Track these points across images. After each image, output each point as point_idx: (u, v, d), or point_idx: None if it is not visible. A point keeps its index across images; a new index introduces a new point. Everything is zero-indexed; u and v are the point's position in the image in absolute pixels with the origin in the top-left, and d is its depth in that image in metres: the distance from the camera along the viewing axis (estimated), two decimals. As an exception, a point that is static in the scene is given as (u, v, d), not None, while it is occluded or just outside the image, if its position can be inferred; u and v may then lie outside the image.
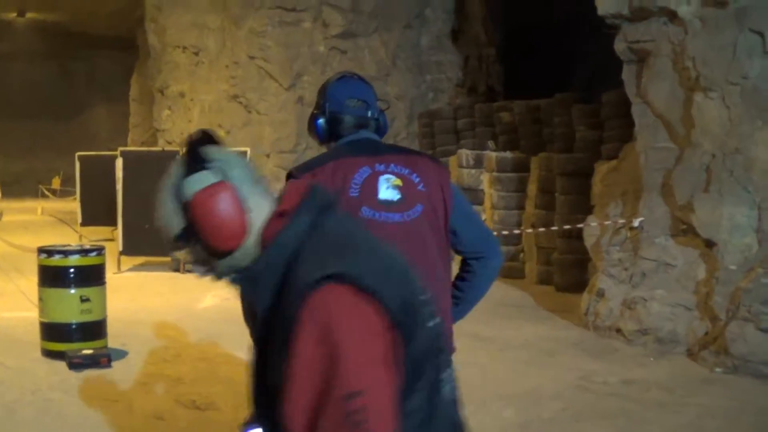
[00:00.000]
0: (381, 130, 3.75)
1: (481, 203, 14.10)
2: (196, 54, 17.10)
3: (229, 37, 16.63)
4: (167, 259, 14.49)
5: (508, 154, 14.26)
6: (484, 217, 13.67)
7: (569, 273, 12.25)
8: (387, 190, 3.48)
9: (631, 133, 11.37)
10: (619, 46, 10.01)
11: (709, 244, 9.11)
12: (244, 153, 14.63)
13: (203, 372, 8.12)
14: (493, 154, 14.11)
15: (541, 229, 12.42)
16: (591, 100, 13.38)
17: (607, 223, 10.60)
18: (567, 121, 13.45)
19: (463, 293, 3.80)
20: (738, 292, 8.57)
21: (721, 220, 8.91)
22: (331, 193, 2.27)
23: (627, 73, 10.20)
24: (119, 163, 14.50)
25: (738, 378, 8.03)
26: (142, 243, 14.13)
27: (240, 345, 8.33)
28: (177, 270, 14.41)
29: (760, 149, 8.56)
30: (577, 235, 11.65)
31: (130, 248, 14.63)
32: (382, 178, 3.49)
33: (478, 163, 14.29)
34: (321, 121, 3.65)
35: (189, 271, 14.94)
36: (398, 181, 3.51)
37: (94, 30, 21.35)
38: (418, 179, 3.55)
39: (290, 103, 16.63)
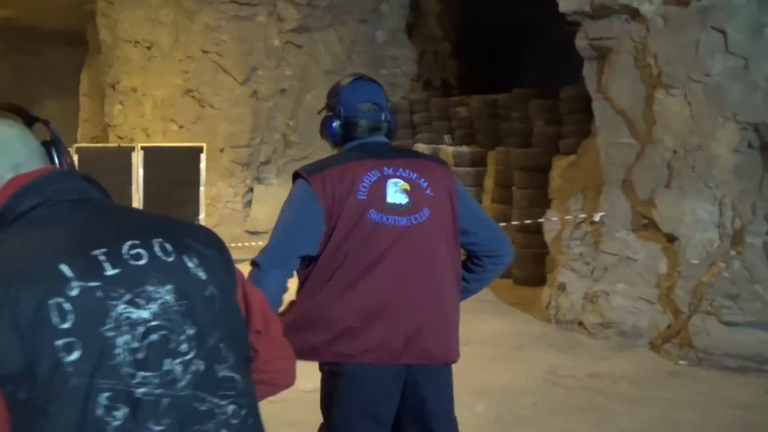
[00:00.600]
0: (391, 132, 3.80)
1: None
2: (149, 48, 16.95)
3: (183, 31, 16.52)
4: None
5: (465, 149, 14.33)
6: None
7: (527, 267, 12.36)
8: (395, 194, 3.54)
9: (590, 128, 11.51)
10: (581, 42, 10.09)
11: (671, 238, 9.24)
12: (200, 148, 14.59)
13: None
14: (450, 149, 14.16)
15: (501, 224, 12.51)
16: (549, 95, 13.47)
17: (568, 217, 10.72)
18: (525, 116, 13.54)
19: (468, 284, 3.86)
20: (700, 286, 8.72)
21: (683, 216, 9.04)
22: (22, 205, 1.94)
23: (588, 70, 10.29)
24: (74, 159, 14.32)
25: (702, 370, 8.17)
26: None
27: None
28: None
29: (722, 146, 8.70)
30: (536, 229, 11.77)
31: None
32: (390, 182, 3.55)
33: (435, 158, 14.33)
34: (336, 124, 3.70)
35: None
36: (406, 186, 3.57)
37: (45, 25, 21.07)
38: (425, 184, 3.61)
39: (245, 97, 16.57)
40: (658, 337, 8.91)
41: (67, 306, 1.72)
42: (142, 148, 14.48)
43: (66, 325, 1.70)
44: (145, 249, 1.89)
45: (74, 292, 1.74)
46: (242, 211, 16.87)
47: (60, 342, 1.69)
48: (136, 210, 2.34)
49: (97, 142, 18.48)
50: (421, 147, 14.35)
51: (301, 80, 16.50)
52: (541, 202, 12.07)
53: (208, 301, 1.94)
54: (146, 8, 16.73)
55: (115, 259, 1.84)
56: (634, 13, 9.28)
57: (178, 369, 1.83)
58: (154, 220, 2.08)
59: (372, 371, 3.50)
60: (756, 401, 7.23)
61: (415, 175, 3.63)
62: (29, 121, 2.16)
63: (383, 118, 3.77)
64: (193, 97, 16.62)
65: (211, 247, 2.05)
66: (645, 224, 9.65)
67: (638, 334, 9.12)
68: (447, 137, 14.97)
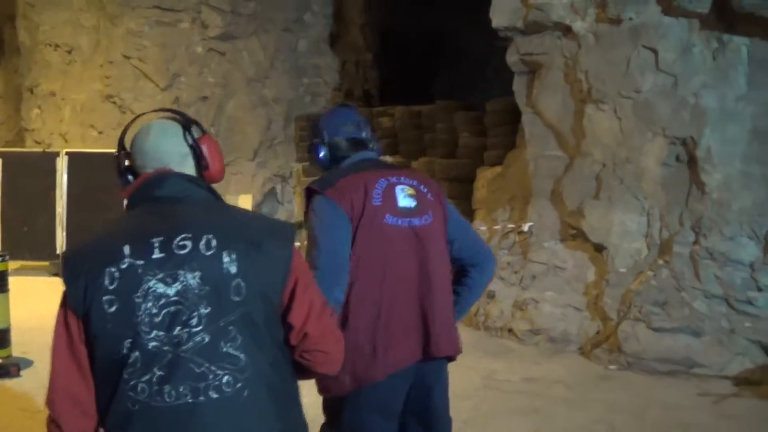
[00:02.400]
0: (377, 152, 4.03)
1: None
2: (69, 53, 16.72)
3: (105, 36, 16.35)
4: (45, 263, 14.20)
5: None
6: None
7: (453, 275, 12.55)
8: (404, 198, 3.79)
9: (515, 140, 11.83)
10: (511, 57, 10.37)
11: (599, 248, 9.57)
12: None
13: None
14: (374, 158, 14.31)
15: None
16: (475, 107, 13.76)
17: (496, 227, 10.99)
18: (450, 128, 13.78)
19: (460, 297, 4.06)
20: (629, 293, 9.06)
21: (612, 226, 9.38)
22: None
23: (518, 84, 10.57)
24: None
25: (633, 374, 8.49)
26: (22, 247, 13.78)
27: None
28: (57, 274, 14.12)
29: (650, 159, 9.05)
30: (462, 239, 11.98)
31: (8, 253, 14.26)
32: (399, 188, 3.80)
33: (356, 167, 14.44)
34: (322, 148, 3.91)
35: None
36: (412, 191, 3.82)
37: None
38: (425, 189, 3.87)
39: (166, 104, 16.39)
40: (587, 343, 9.20)
41: (117, 275, 2.47)
42: (67, 153, 14.34)
43: (111, 287, 2.46)
44: (192, 242, 2.53)
45: (124, 266, 2.48)
46: (167, 219, 16.75)
47: (105, 298, 2.46)
48: (222, 207, 2.79)
49: (11, 147, 18.15)
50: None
51: (224, 87, 16.48)
52: (466, 213, 12.32)
53: (232, 291, 2.52)
54: (68, 12, 16.51)
55: (165, 246, 2.51)
56: (566, 30, 9.60)
57: (185, 336, 2.47)
58: (223, 219, 2.67)
59: (390, 379, 3.70)
60: (688, 403, 7.56)
61: (415, 182, 3.88)
62: (187, 120, 2.85)
63: (364, 135, 3.99)
64: (114, 102, 16.46)
65: (261, 249, 2.59)
66: (573, 234, 9.97)
67: (568, 340, 9.40)
68: (370, 147, 15.11)
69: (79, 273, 2.50)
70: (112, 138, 16.06)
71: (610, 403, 7.57)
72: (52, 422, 2.61)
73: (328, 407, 3.83)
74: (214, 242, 2.53)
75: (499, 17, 10.14)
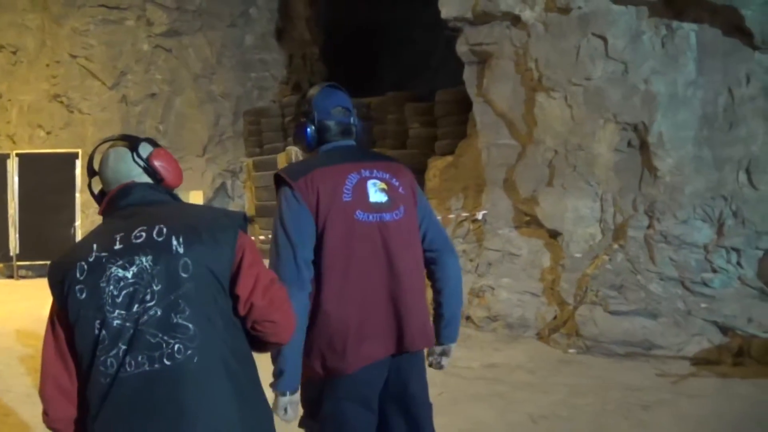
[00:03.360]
0: (359, 136, 4.03)
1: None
2: (14, 53, 16.54)
3: (50, 36, 16.19)
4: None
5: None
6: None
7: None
8: (376, 193, 3.77)
9: (465, 130, 11.92)
10: (461, 48, 10.44)
11: (553, 234, 9.69)
12: (75, 154, 14.44)
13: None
14: (323, 151, 14.32)
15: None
16: (424, 98, 13.84)
17: (450, 216, 11.07)
18: (400, 119, 13.86)
19: (442, 308, 4.11)
20: (585, 278, 9.19)
21: (566, 212, 9.51)
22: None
23: (468, 74, 10.64)
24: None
25: (592, 357, 8.63)
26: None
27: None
28: (11, 276, 13.99)
29: (602, 146, 9.19)
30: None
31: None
32: (370, 183, 3.78)
33: (307, 160, 14.45)
34: (310, 129, 3.88)
35: (24, 277, 14.59)
36: (384, 185, 3.81)
37: None
38: (397, 183, 3.87)
39: (114, 102, 16.39)
40: (545, 328, 9.32)
41: (85, 266, 2.83)
42: (17, 155, 14.21)
43: (81, 277, 2.82)
44: (146, 232, 2.87)
45: (91, 259, 2.84)
46: (115, 217, 16.65)
47: (77, 287, 2.81)
48: (178, 205, 3.16)
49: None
50: (293, 150, 14.43)
51: (171, 84, 16.42)
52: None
53: (180, 268, 2.82)
54: (12, 13, 16.31)
55: (124, 239, 2.86)
56: (516, 20, 9.69)
57: (141, 311, 2.77)
58: (176, 213, 3.01)
59: (364, 371, 3.74)
60: (648, 384, 7.70)
61: (388, 175, 3.87)
62: (134, 143, 3.16)
63: (352, 121, 3.99)
64: (61, 102, 16.33)
65: (207, 233, 2.90)
66: (527, 221, 10.08)
67: (525, 326, 9.52)
68: (318, 140, 15.12)
69: (59, 270, 2.90)
70: (61, 138, 15.99)
71: (571, 386, 7.68)
72: (44, 411, 2.94)
73: (307, 399, 3.84)
74: (165, 230, 2.88)
75: (449, 8, 10.21)
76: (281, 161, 14.56)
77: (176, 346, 2.76)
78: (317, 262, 3.69)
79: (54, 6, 15.97)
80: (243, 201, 16.75)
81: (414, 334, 3.82)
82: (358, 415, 3.76)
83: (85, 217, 15.44)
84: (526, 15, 9.57)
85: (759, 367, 7.98)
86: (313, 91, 4.05)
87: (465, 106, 11.91)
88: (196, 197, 16.35)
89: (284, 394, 3.63)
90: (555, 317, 9.39)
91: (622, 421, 6.78)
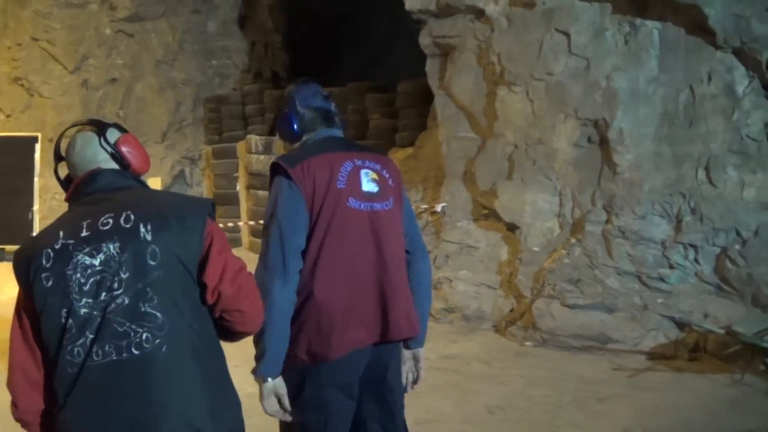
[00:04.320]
0: (342, 125, 4.06)
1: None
2: (-24, 36, 16.43)
3: (12, 18, 16.02)
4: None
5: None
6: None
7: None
8: (368, 182, 3.80)
9: (426, 122, 11.95)
10: (424, 40, 10.46)
11: (512, 227, 9.75)
12: (35, 138, 14.31)
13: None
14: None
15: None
16: (385, 89, 13.86)
17: (410, 207, 11.07)
18: (361, 109, 13.86)
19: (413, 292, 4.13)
20: (542, 271, 9.26)
21: (524, 206, 9.57)
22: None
23: (430, 66, 10.66)
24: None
25: (548, 350, 8.70)
26: None
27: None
28: (-27, 260, 13.82)
29: (563, 140, 9.26)
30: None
31: None
32: (363, 172, 3.81)
33: (268, 149, 14.40)
34: (295, 117, 3.89)
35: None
36: (375, 176, 3.84)
37: None
38: (387, 175, 3.90)
39: (75, 86, 16.27)
40: (501, 321, 9.38)
41: (52, 254, 2.79)
42: (-24, 138, 14.10)
43: (47, 265, 2.77)
44: (113, 219, 2.83)
45: (57, 246, 2.80)
46: (71, 203, 16.55)
47: (43, 275, 2.77)
48: (145, 191, 3.13)
49: None
50: (253, 139, 14.43)
51: (132, 69, 16.31)
52: (377, 193, 12.41)
53: (148, 256, 2.79)
54: (-26, -5, 16.18)
55: (91, 226, 2.82)
56: (479, 14, 9.73)
57: (109, 299, 2.74)
58: (143, 200, 2.97)
59: (347, 357, 3.75)
60: (604, 377, 7.79)
61: (379, 166, 3.91)
62: (102, 128, 3.12)
63: (333, 108, 4.01)
64: (22, 85, 16.20)
65: (175, 219, 2.87)
66: (486, 214, 10.12)
67: (482, 318, 9.56)
68: (278, 129, 15.09)
69: (24, 257, 2.85)
70: (21, 121, 15.85)
71: (528, 378, 7.76)
72: (12, 402, 2.90)
73: (288, 384, 3.85)
74: (132, 217, 2.83)
75: (413, 0, 10.22)
76: (241, 150, 14.53)
77: (144, 335, 2.73)
78: (309, 248, 3.70)
79: (18, -12, 15.84)
80: (201, 189, 16.66)
81: (399, 322, 3.85)
82: (339, 402, 3.78)
83: (43, 202, 15.29)
84: (491, 9, 9.61)
85: (714, 363, 8.08)
86: (290, 86, 4.10)
87: (426, 97, 11.93)
88: (154, 184, 16.19)
89: (266, 380, 3.63)
90: (512, 310, 9.45)
91: (577, 412, 6.87)
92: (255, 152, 14.34)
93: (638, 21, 8.75)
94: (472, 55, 9.97)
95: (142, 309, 2.74)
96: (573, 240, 9.19)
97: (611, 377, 7.80)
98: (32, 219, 14.43)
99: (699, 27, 8.44)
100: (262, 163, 14.28)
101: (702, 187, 8.58)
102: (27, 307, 2.83)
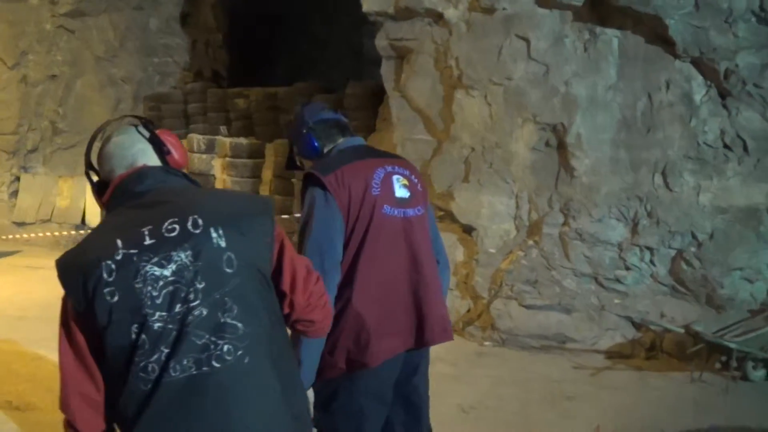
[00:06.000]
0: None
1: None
2: None
3: (-51, 12, 15.79)
4: None
5: (242, 140, 14.49)
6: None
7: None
8: (400, 189, 3.91)
9: (375, 123, 12.03)
10: (380, 42, 10.50)
11: (468, 229, 9.88)
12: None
13: (2, 372, 7.96)
14: (227, 140, 14.25)
15: (284, 216, 12.80)
16: (333, 90, 13.93)
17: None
18: (308, 110, 13.90)
19: None
20: (499, 273, 9.44)
21: (481, 208, 9.70)
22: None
23: (386, 69, 10.70)
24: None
25: (508, 350, 8.91)
26: None
27: (34, 341, 8.26)
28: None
29: (520, 144, 9.41)
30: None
31: None
32: (395, 178, 3.93)
33: (210, 149, 14.36)
34: (312, 134, 3.98)
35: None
36: (405, 181, 3.95)
37: None
38: (416, 180, 4.02)
39: (14, 82, 16.05)
40: (459, 321, 9.52)
41: (113, 266, 2.58)
42: None
43: (110, 279, 2.57)
44: (179, 225, 2.65)
45: (119, 257, 2.59)
46: (8, 201, 16.30)
47: (106, 290, 2.57)
48: (202, 191, 3.04)
49: None
50: (195, 138, 14.37)
51: (73, 66, 16.13)
52: (325, 194, 12.49)
53: (224, 263, 2.65)
54: None
55: (155, 233, 2.64)
56: (438, 18, 9.83)
57: (185, 311, 2.59)
58: (204, 200, 2.83)
59: (383, 365, 3.84)
60: (567, 376, 8.01)
61: (407, 172, 4.02)
62: (138, 119, 3.03)
63: (343, 118, 4.13)
64: (-40, 80, 15.95)
65: (245, 222, 2.75)
66: (441, 216, 10.23)
67: (439, 318, 9.67)
68: (223, 128, 15.07)
69: (76, 272, 2.62)
70: (-41, 117, 15.55)
71: (494, 378, 7.94)
72: (69, 425, 2.74)
73: (321, 392, 3.91)
74: (200, 221, 2.66)
75: (370, 2, 10.24)
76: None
77: (225, 347, 2.61)
78: (344, 257, 3.78)
79: (-46, -19, 15.55)
80: (142, 187, 16.54)
81: (434, 328, 3.96)
82: (373, 409, 3.87)
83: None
84: (450, 13, 9.71)
85: (671, 361, 8.37)
86: (296, 108, 4.23)
87: (375, 99, 12.03)
88: (96, 182, 16.07)
89: None
90: (468, 310, 9.61)
91: (549, 410, 7.07)
92: (197, 151, 14.28)
93: (598, 29, 8.92)
94: (430, 58, 10.06)
95: (222, 320, 2.62)
96: (530, 242, 9.38)
97: (574, 376, 8.02)
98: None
99: (659, 37, 8.65)
100: (204, 162, 14.25)
101: (659, 192, 8.81)
102: (81, 323, 2.64)
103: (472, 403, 7.23)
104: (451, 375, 8.02)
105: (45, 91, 16.16)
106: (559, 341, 8.82)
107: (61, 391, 2.72)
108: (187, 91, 16.37)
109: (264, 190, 13.98)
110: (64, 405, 2.71)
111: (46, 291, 10.10)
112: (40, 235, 15.06)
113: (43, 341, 8.10)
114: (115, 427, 2.77)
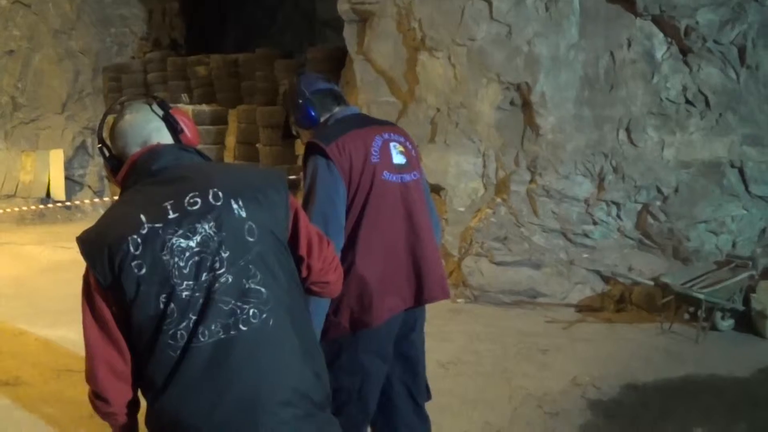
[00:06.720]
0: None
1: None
2: None
3: None
4: None
5: (204, 107, 14.56)
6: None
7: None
8: (397, 155, 4.06)
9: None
10: (342, 6, 10.54)
11: (436, 189, 10.01)
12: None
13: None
14: (189, 107, 14.32)
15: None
16: (293, 56, 13.99)
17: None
18: (269, 76, 13.96)
19: None
20: (469, 230, 9.61)
21: (448, 168, 9.84)
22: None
23: (348, 32, 10.76)
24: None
25: (481, 306, 9.09)
26: None
27: (12, 317, 8.30)
28: None
29: (485, 104, 9.55)
30: (290, 185, 12.24)
31: None
32: (392, 145, 4.07)
33: (172, 117, 14.38)
34: (308, 104, 4.10)
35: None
36: (401, 148, 4.10)
37: None
38: (410, 146, 4.17)
39: (-30, 58, 16.00)
40: (430, 279, 9.64)
41: (139, 240, 2.67)
42: None
43: (137, 252, 2.66)
44: (200, 198, 2.76)
45: (144, 231, 2.68)
46: (-30, 178, 16.30)
47: (134, 263, 2.66)
48: (216, 165, 3.11)
49: None
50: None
51: (30, 41, 16.05)
52: (288, 158, 12.63)
53: (246, 233, 2.77)
54: None
55: (178, 207, 2.73)
56: (399, -19, 9.90)
57: (212, 279, 2.70)
58: (221, 174, 2.93)
59: (384, 324, 3.99)
60: (540, 329, 8.20)
61: (403, 138, 4.17)
62: (150, 100, 3.10)
63: (337, 88, 4.26)
64: None
65: (261, 193, 2.86)
66: (409, 177, 10.36)
67: (411, 278, 9.81)
68: (184, 96, 15.11)
69: (101, 246, 2.70)
70: None
71: (469, 334, 8.10)
72: (96, 396, 2.84)
73: (325, 352, 3.99)
74: (220, 194, 2.77)
75: (331, -33, 10.34)
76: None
77: (251, 311, 2.73)
78: (347, 222, 3.92)
79: None
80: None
81: (433, 287, 4.11)
82: (374, 366, 4.02)
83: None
84: (411, -24, 9.79)
85: (640, 313, 8.59)
86: (291, 79, 4.32)
87: (337, 63, 12.09)
88: (56, 156, 16.09)
89: None
90: (440, 269, 9.74)
91: (526, 363, 7.24)
92: (158, 120, 14.25)
93: (559, -11, 9.08)
94: (392, 21, 10.13)
95: (247, 286, 2.73)
96: (498, 200, 9.54)
97: (547, 329, 8.22)
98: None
99: (619, -5, 8.85)
100: (167, 130, 14.22)
101: (623, 148, 9.00)
102: (107, 297, 2.73)
103: (450, 359, 7.39)
104: (428, 332, 8.03)
105: (3, 66, 16.08)
106: (530, 296, 9.02)
107: (87, 363, 2.80)
108: (147, 61, 16.36)
109: (228, 156, 14.06)
110: (91, 376, 2.80)
111: (18, 267, 10.37)
112: (8, 210, 15.03)
113: (22, 317, 8.26)
114: (140, 396, 2.87)
